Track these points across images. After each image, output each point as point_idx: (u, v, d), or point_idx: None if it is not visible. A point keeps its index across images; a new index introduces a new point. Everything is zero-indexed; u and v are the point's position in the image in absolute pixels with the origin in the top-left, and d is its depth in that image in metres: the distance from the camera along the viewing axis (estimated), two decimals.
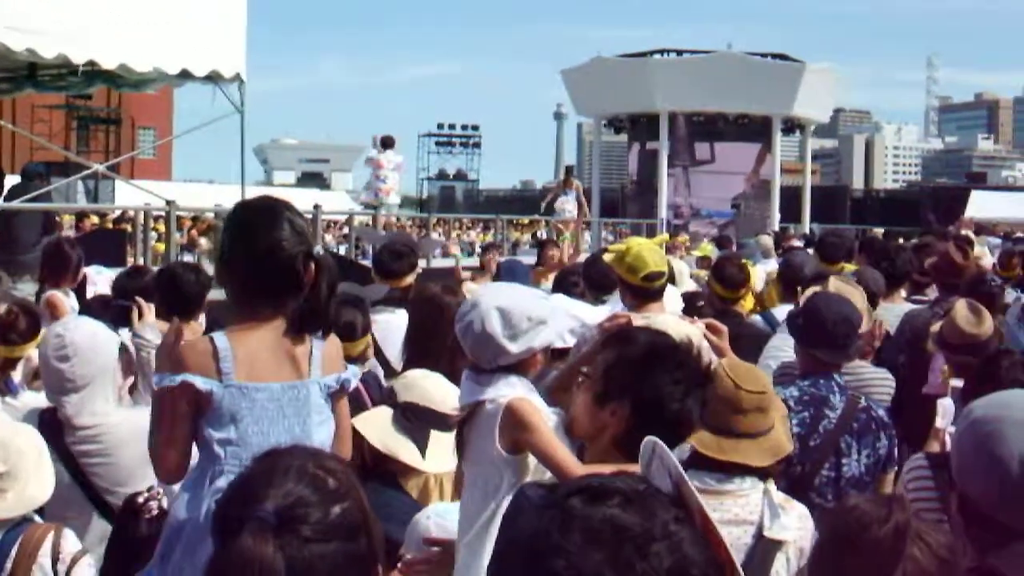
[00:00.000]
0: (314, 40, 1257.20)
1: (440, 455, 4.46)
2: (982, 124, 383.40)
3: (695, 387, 3.37)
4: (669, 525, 1.60)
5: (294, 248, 3.66)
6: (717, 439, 3.89)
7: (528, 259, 17.96)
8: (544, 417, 3.73)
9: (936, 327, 6.62)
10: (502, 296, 3.87)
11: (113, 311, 6.36)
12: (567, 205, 26.87)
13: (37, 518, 4.01)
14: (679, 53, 38.93)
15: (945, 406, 6.10)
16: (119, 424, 4.72)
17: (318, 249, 3.72)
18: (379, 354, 6.59)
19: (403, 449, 4.51)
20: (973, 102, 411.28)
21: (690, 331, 5.02)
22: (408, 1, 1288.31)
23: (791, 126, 39.45)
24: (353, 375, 3.92)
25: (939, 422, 6.05)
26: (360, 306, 6.10)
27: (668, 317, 5.34)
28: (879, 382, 5.99)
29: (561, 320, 5.71)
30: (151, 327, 5.66)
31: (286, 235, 3.67)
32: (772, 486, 3.89)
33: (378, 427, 4.51)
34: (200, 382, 3.55)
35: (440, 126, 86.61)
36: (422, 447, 4.51)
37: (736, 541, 3.70)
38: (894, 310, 8.34)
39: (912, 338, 7.25)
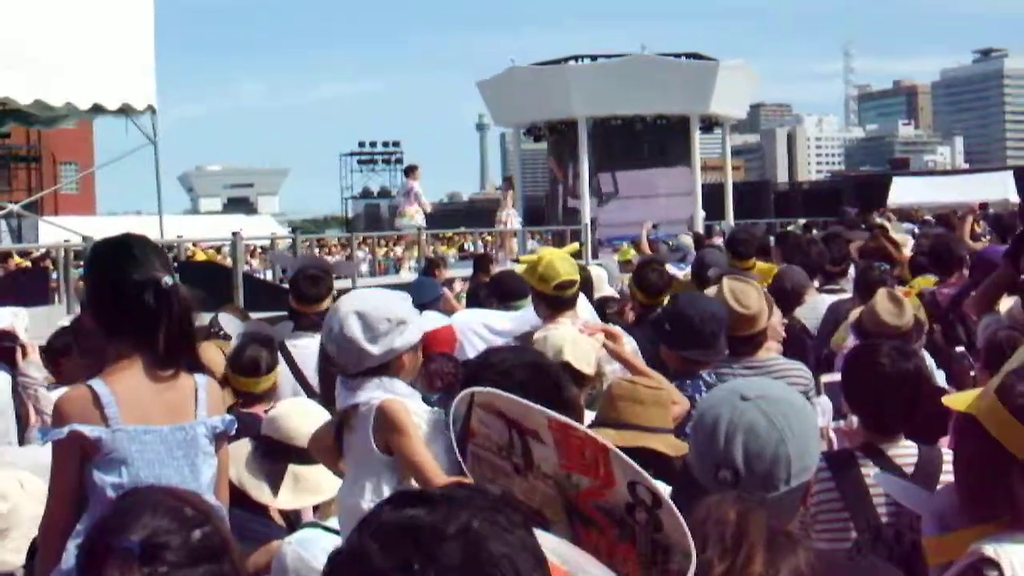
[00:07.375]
0: (231, 65, 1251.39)
1: (297, 490, 4.51)
2: (902, 110, 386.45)
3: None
4: (472, 522, 1.54)
5: (143, 280, 3.63)
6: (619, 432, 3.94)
7: (459, 272, 17.97)
8: (415, 421, 3.74)
9: (855, 315, 6.59)
10: (361, 300, 3.87)
11: None
12: (512, 219, 27.10)
13: None
14: (593, 58, 38.96)
15: (822, 404, 6.01)
16: (14, 463, 4.70)
17: (167, 280, 3.67)
18: (301, 378, 6.66)
19: (251, 485, 4.52)
20: (892, 89, 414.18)
21: (585, 343, 5.19)
22: (321, 23, 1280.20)
23: (709, 124, 39.64)
24: (229, 423, 3.90)
25: (820, 420, 5.94)
26: (267, 344, 6.09)
27: (566, 330, 5.41)
28: (793, 373, 5.83)
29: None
30: (35, 365, 5.65)
31: (133, 269, 3.65)
32: None
33: (235, 460, 4.44)
34: (87, 430, 3.51)
35: (361, 144, 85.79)
36: (275, 482, 4.51)
37: None
38: (808, 303, 8.49)
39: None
